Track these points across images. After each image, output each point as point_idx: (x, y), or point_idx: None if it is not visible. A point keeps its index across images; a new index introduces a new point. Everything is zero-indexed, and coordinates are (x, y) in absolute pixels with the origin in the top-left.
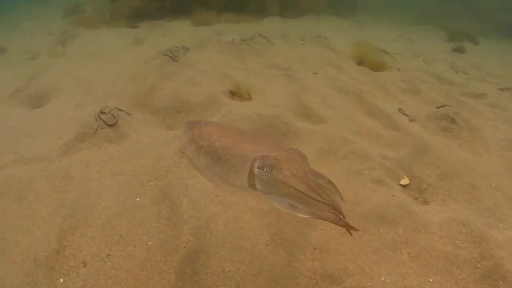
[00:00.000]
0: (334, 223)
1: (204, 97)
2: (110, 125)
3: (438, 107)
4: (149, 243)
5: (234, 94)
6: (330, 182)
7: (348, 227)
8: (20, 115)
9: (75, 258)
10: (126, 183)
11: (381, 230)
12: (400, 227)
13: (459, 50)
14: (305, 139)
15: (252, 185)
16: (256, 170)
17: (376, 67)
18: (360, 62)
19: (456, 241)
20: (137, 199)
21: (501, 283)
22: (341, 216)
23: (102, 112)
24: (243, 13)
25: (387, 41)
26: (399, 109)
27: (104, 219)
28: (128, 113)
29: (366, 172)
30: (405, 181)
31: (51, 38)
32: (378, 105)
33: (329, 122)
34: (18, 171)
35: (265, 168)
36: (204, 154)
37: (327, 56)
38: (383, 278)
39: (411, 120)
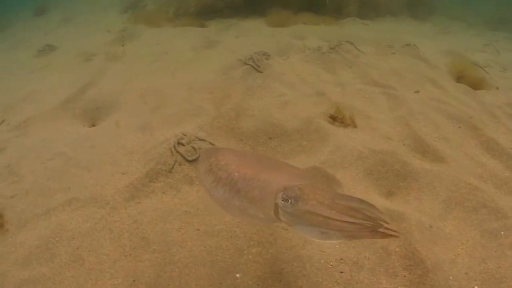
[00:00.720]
0: (372, 238)
1: (299, 121)
2: (190, 161)
3: None
4: None
5: (335, 119)
6: (362, 201)
7: (387, 236)
8: (72, 135)
9: None
10: (220, 250)
11: None
12: None
13: None
14: (426, 185)
15: (276, 218)
16: (280, 202)
17: (475, 84)
18: (458, 78)
19: None
20: (237, 275)
21: None
22: (380, 227)
23: (179, 143)
24: (320, 13)
25: (473, 51)
26: None
27: None
28: (211, 144)
29: (502, 233)
30: None
31: (108, 37)
32: (493, 137)
33: (449, 162)
34: (71, 219)
35: (289, 200)
36: (223, 186)
37: (423, 70)
38: None
39: None
